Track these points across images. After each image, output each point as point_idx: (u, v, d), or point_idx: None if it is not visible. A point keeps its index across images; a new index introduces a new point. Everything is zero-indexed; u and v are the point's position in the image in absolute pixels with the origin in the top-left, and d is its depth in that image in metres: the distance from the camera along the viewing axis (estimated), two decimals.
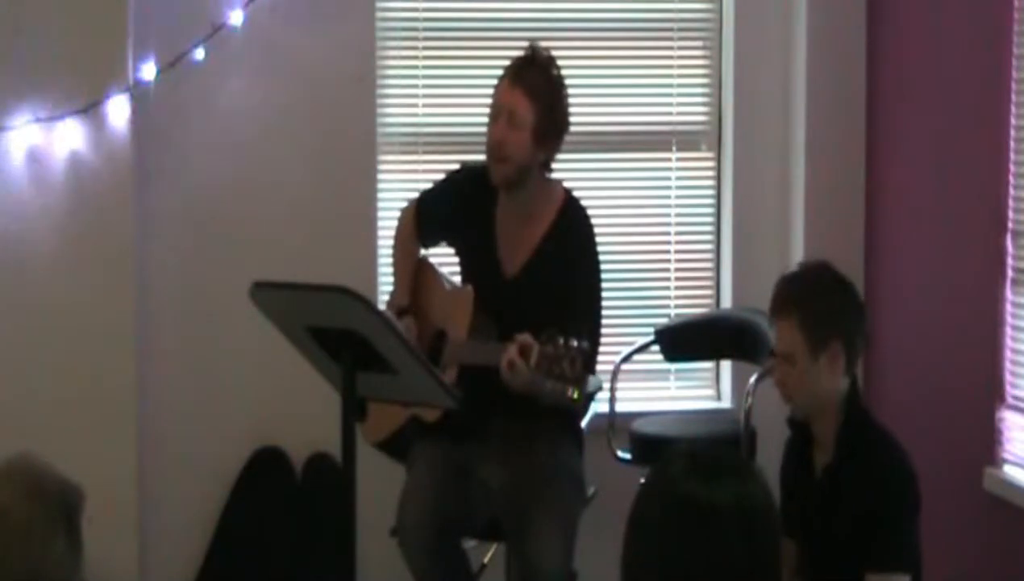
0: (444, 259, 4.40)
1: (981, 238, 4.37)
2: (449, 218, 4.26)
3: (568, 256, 4.07)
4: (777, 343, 3.59)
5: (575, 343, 3.57)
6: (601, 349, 4.01)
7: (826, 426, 3.57)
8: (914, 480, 3.50)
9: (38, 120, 4.65)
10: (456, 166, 4.40)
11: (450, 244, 4.34)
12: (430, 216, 4.31)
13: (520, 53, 4.11)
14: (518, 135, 4.02)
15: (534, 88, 4.02)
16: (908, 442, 3.60)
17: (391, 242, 4.43)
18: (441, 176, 4.39)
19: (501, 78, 4.09)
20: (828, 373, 3.51)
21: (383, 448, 4.26)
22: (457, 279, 4.28)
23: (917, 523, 3.50)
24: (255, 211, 4.97)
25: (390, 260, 4.45)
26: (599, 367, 4.15)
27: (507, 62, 4.12)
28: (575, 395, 3.58)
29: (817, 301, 3.53)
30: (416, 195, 4.41)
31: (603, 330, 4.06)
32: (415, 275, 4.32)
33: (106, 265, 4.73)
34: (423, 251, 4.37)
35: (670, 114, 5.28)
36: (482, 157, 4.12)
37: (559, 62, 4.11)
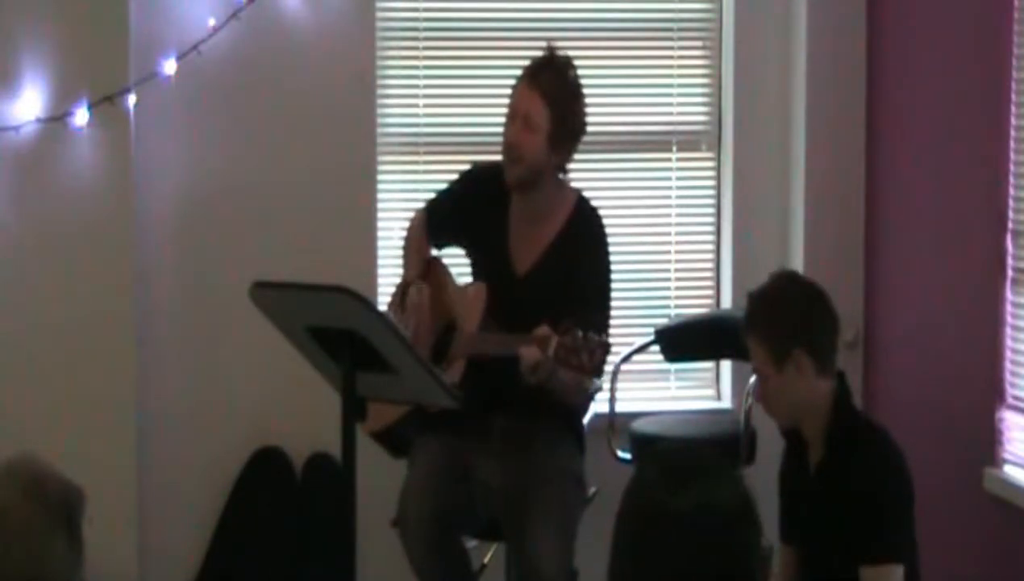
0: (453, 261, 4.40)
1: (981, 238, 4.37)
2: (461, 219, 4.26)
3: (579, 255, 4.09)
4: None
5: (595, 336, 3.62)
6: None
7: (815, 428, 3.59)
8: (904, 473, 3.51)
9: (38, 120, 4.66)
10: (457, 167, 4.41)
11: (460, 245, 4.34)
12: (440, 222, 4.31)
13: (535, 54, 4.14)
14: (533, 138, 4.04)
15: (550, 92, 4.04)
16: (908, 442, 3.60)
17: (391, 242, 4.43)
18: (452, 177, 4.40)
19: (519, 80, 4.11)
20: (798, 382, 3.53)
21: (378, 439, 4.24)
22: (466, 281, 4.28)
23: (910, 515, 3.51)
24: (255, 211, 4.96)
25: (390, 260, 4.45)
26: None
27: (510, 63, 4.15)
28: (589, 385, 3.62)
29: (771, 317, 3.58)
30: (424, 204, 4.41)
31: None
32: (426, 272, 4.32)
33: (106, 265, 4.72)
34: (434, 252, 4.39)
35: (670, 114, 5.27)
36: (485, 157, 4.13)
37: None
